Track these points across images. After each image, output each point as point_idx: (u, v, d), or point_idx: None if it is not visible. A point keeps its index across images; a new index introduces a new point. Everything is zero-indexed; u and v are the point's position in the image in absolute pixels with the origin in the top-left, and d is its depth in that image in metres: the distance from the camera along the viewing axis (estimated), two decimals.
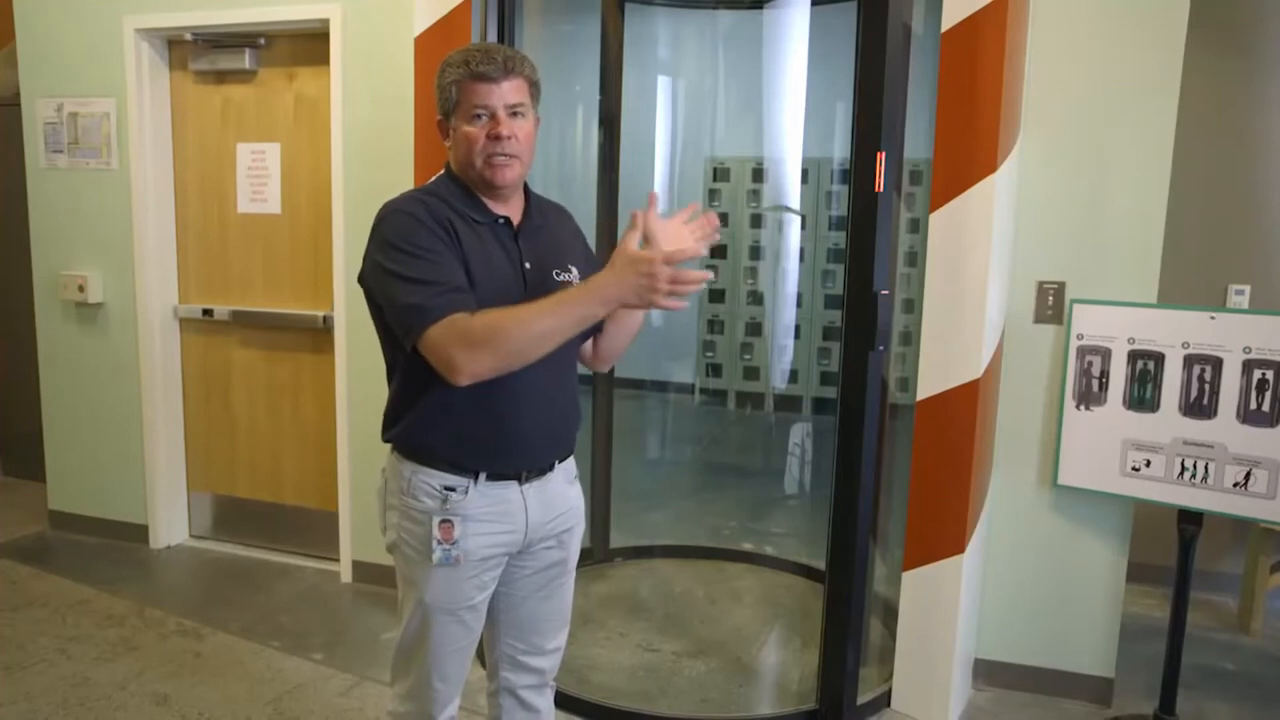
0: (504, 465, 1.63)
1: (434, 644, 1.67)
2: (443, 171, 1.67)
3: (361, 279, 1.61)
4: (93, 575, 3.51)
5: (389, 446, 1.69)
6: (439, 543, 1.60)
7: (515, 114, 1.57)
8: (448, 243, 1.53)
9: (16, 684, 2.71)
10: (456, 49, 1.62)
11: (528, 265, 1.62)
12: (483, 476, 1.61)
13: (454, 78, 1.57)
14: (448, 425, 1.59)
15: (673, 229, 1.54)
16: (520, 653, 1.80)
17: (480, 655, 1.84)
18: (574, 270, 1.68)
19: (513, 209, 1.65)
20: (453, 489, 1.60)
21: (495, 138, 1.55)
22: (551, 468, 1.70)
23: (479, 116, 1.56)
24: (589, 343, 1.80)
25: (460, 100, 1.57)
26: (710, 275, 1.52)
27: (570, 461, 1.77)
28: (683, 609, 3.32)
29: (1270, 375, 2.29)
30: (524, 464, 1.65)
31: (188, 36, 3.51)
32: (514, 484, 1.64)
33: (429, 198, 1.59)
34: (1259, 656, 3.09)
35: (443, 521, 1.60)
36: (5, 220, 4.31)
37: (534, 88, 1.62)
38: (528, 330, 1.44)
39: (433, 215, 1.54)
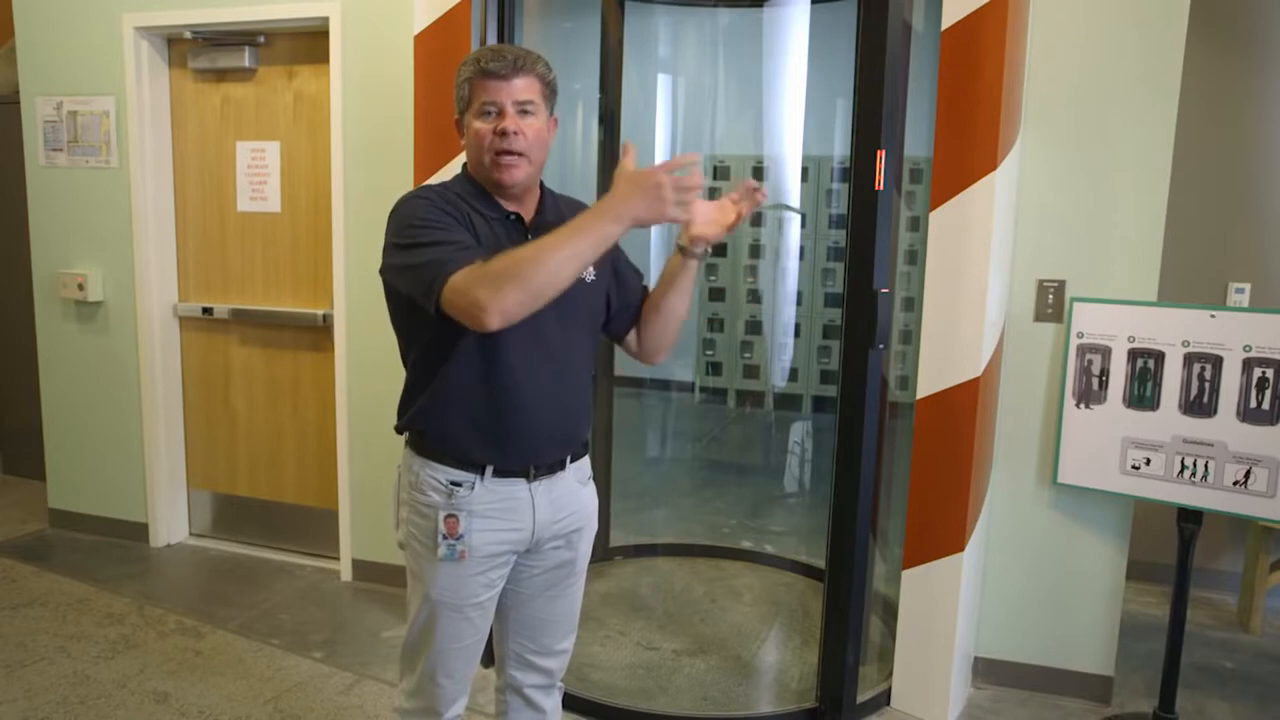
0: (510, 459, 1.63)
1: (440, 640, 1.67)
2: (459, 171, 1.69)
3: (381, 270, 1.61)
4: (93, 573, 3.51)
5: (403, 443, 1.70)
6: (444, 537, 1.60)
7: (524, 111, 1.59)
8: (462, 221, 1.55)
9: (17, 682, 2.71)
10: (473, 51, 1.65)
11: None
12: (490, 472, 1.62)
13: (466, 75, 1.60)
14: (458, 409, 1.59)
15: (706, 210, 1.61)
16: (529, 651, 1.80)
17: (488, 652, 1.85)
18: (589, 266, 1.67)
19: (525, 207, 1.66)
20: (459, 484, 1.61)
21: (501, 133, 1.56)
22: (563, 466, 1.70)
23: (488, 113, 1.58)
24: (633, 336, 1.80)
25: (472, 97, 1.59)
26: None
27: (584, 462, 1.77)
28: (683, 607, 3.32)
29: (1270, 373, 2.29)
30: (531, 459, 1.65)
31: (187, 34, 3.51)
32: (522, 481, 1.64)
33: (443, 190, 1.61)
34: (1258, 654, 3.09)
35: (448, 516, 1.60)
36: (5, 219, 4.30)
37: (547, 87, 1.63)
38: (550, 257, 1.41)
39: (446, 200, 1.57)
